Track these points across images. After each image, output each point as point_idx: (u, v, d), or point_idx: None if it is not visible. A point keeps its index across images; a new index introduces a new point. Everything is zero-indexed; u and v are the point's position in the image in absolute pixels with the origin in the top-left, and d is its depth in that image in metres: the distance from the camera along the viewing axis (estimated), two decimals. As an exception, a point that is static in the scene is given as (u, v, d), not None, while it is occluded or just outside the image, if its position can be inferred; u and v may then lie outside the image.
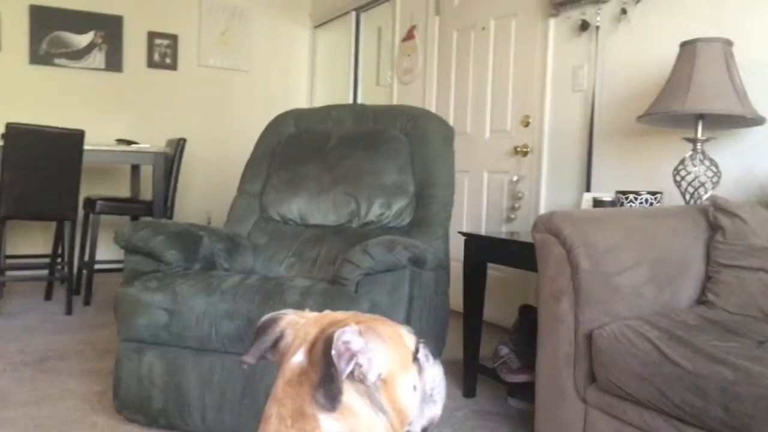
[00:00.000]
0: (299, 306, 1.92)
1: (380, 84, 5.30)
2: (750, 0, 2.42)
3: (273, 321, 0.95)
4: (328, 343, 0.82)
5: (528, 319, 2.38)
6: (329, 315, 0.95)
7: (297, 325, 0.93)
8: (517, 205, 3.50)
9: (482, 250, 2.55)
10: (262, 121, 3.06)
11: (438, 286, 2.40)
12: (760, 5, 2.39)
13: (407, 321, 2.09)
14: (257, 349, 0.94)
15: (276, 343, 0.93)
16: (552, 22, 3.29)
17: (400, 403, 0.89)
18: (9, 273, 4.08)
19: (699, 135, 2.28)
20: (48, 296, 4.05)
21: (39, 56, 5.00)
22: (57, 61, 5.06)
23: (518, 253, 2.40)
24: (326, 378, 0.81)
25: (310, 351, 0.87)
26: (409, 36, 4.54)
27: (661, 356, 1.51)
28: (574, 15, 3.12)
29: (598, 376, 1.69)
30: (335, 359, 0.81)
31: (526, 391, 2.33)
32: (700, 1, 2.58)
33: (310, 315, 0.95)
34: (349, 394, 0.84)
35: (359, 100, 5.38)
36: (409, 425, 0.92)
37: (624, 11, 2.85)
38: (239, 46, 5.76)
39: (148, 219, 4.12)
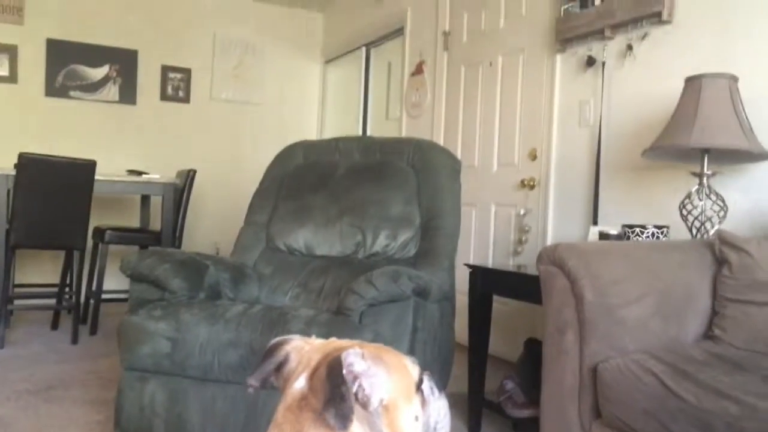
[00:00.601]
0: (303, 335, 1.92)
1: (389, 118, 5.35)
2: (755, 35, 2.44)
3: (279, 345, 0.96)
4: (337, 362, 0.83)
5: (534, 353, 2.35)
6: (334, 342, 0.95)
7: (302, 350, 0.93)
8: (524, 238, 3.50)
9: (488, 283, 2.54)
10: (272, 154, 3.09)
11: (443, 317, 2.39)
12: (764, 40, 2.41)
13: (411, 352, 2.07)
14: (261, 372, 0.94)
15: (280, 367, 0.93)
16: (559, 57, 3.32)
17: (396, 423, 0.88)
18: (17, 302, 4.10)
19: (705, 170, 2.28)
20: (54, 326, 4.05)
21: (55, 89, 5.11)
22: (72, 93, 5.16)
23: (524, 286, 2.38)
24: (336, 397, 0.81)
25: (312, 377, 0.87)
26: (418, 71, 4.60)
27: (667, 391, 1.49)
28: (581, 51, 3.15)
29: (603, 410, 1.67)
30: (346, 378, 0.82)
31: (531, 426, 2.29)
32: (705, 36, 2.61)
33: (315, 342, 0.96)
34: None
35: (368, 134, 5.43)
36: None
37: (630, 47, 2.88)
38: (251, 80, 5.86)
39: (155, 248, 4.15)
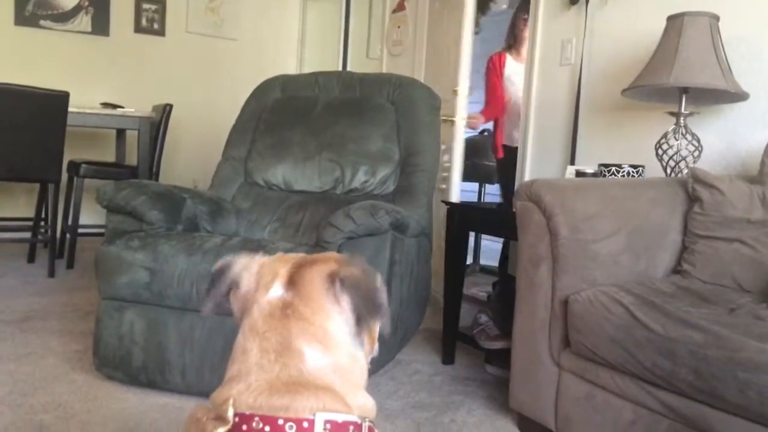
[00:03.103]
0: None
1: (370, 56, 5.26)
2: (738, -24, 2.42)
3: (224, 268, 0.95)
4: (372, 279, 0.87)
5: (507, 288, 2.40)
6: (293, 256, 0.95)
7: (253, 268, 0.93)
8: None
9: (464, 220, 2.57)
10: (249, 90, 3.04)
11: (420, 252, 2.42)
12: (748, -19, 2.39)
13: (388, 285, 2.11)
14: (213, 296, 0.94)
15: (231, 288, 0.94)
16: (542, -5, 3.27)
17: (374, 335, 0.91)
18: (-9, 235, 4.06)
19: (682, 109, 2.30)
20: (31, 259, 4.03)
21: (24, 18, 4.92)
22: (42, 23, 4.98)
23: (500, 222, 2.41)
24: (378, 308, 0.87)
25: (291, 286, 0.87)
26: (399, 7, 4.50)
27: (634, 320, 1.54)
28: (565, -12, 3.11)
29: (573, 340, 1.72)
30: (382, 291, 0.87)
31: (503, 358, 2.36)
32: (689, -24, 2.58)
33: (263, 258, 0.95)
34: (339, 326, 0.86)
35: (348, 72, 5.34)
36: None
37: (614, -15, 2.84)
38: (228, 14, 5.70)
39: (132, 180, 4.11)
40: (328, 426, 0.78)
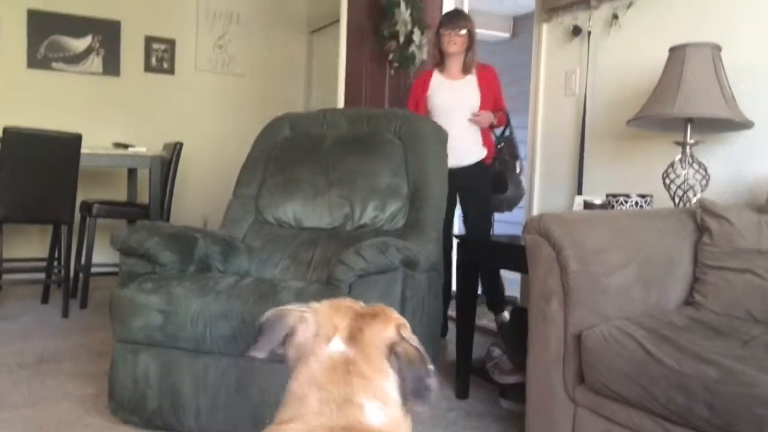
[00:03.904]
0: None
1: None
2: (738, 5, 2.45)
3: (279, 317, 0.99)
4: (426, 363, 0.93)
5: (519, 321, 2.40)
6: (347, 304, 1.02)
7: (310, 318, 0.98)
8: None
9: (475, 253, 2.58)
10: (258, 125, 3.09)
11: (431, 287, 2.42)
12: (747, 11, 2.42)
13: (400, 322, 2.11)
14: (269, 342, 0.98)
15: (287, 337, 0.97)
16: (545, 27, 3.32)
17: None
18: (6, 276, 4.10)
19: (688, 139, 2.31)
20: (45, 299, 4.06)
21: (37, 60, 5.03)
22: (55, 65, 5.09)
23: (510, 256, 2.42)
24: (427, 394, 0.92)
25: (351, 342, 0.93)
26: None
27: (648, 355, 1.53)
28: (567, 20, 3.15)
29: (587, 376, 1.71)
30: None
31: (517, 392, 2.35)
32: (689, 6, 2.61)
33: (317, 305, 1.01)
34: (394, 387, 0.92)
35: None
36: None
37: (615, 16, 2.88)
38: (236, 51, 5.80)
39: (145, 222, 4.14)
40: None
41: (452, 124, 3.10)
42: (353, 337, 0.93)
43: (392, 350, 0.93)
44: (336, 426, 0.84)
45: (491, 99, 3.33)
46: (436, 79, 3.38)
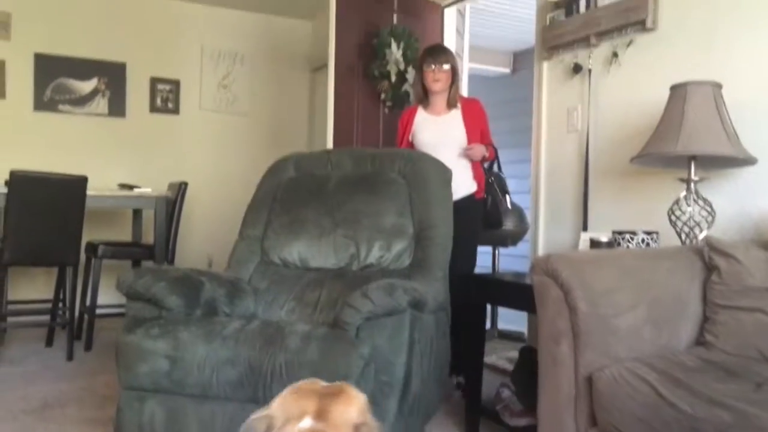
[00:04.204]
0: (300, 351, 1.94)
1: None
2: (736, 43, 2.48)
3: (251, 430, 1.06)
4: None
5: (529, 361, 2.38)
6: (309, 387, 1.10)
7: (276, 415, 1.05)
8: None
9: (482, 292, 2.57)
10: (262, 164, 3.11)
11: (439, 328, 2.41)
12: (746, 48, 2.45)
13: (408, 364, 2.10)
14: None
15: None
16: (545, 64, 3.36)
17: None
18: (11, 319, 4.08)
19: (692, 176, 2.32)
20: (49, 342, 4.04)
21: (43, 103, 5.09)
22: (61, 107, 5.15)
23: (518, 295, 2.41)
24: None
25: (321, 419, 1.02)
26: (406, 79, 4.61)
27: (660, 399, 1.52)
28: (567, 58, 3.19)
29: (599, 419, 1.69)
30: None
31: (528, 434, 2.32)
32: (688, 44, 2.65)
33: (278, 399, 1.08)
34: None
35: (358, 142, 5.44)
36: None
37: (615, 54, 2.92)
38: (240, 90, 5.86)
39: (150, 265, 4.15)
40: None
41: (439, 159, 2.95)
42: (321, 416, 1.01)
43: (356, 430, 1.02)
44: None
45: (477, 132, 3.22)
46: (420, 115, 3.31)
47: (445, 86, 3.19)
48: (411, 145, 3.29)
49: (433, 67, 3.17)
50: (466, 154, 3.15)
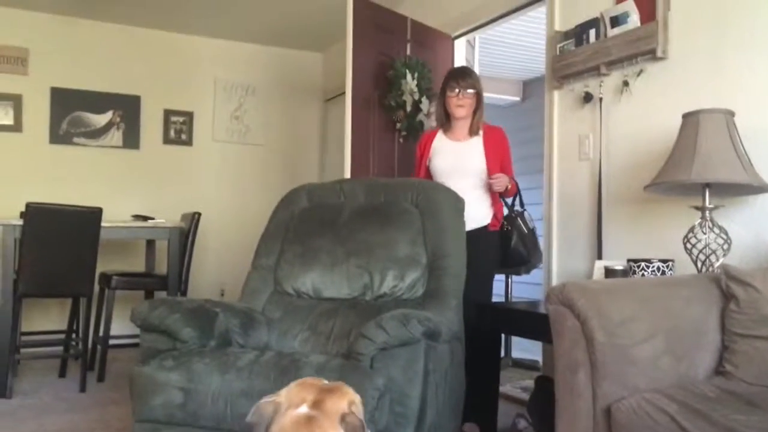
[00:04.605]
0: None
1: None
2: (747, 71, 2.49)
3: (260, 413, 1.29)
4: (362, 428, 1.27)
5: (545, 391, 2.35)
6: (311, 382, 1.35)
7: (282, 401, 1.29)
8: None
9: (497, 321, 2.55)
10: (275, 194, 3.13)
11: (453, 358, 2.39)
12: (757, 75, 2.45)
13: (423, 395, 2.08)
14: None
15: (269, 426, 1.28)
16: (556, 93, 3.38)
17: None
18: (24, 350, 4.09)
19: (707, 203, 2.31)
20: (62, 373, 4.04)
21: (59, 136, 5.17)
22: (76, 140, 5.23)
23: (533, 324, 2.39)
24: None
25: (316, 407, 1.26)
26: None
27: (680, 430, 1.49)
28: (578, 87, 3.21)
29: (619, 451, 1.67)
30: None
31: (546, 466, 2.28)
32: (699, 72, 2.66)
33: (286, 389, 1.32)
34: None
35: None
36: None
37: (626, 83, 2.93)
38: (252, 121, 5.93)
39: (164, 296, 4.15)
40: None
41: (453, 188, 2.88)
42: (316, 405, 1.26)
43: (343, 419, 1.25)
44: None
45: (498, 163, 3.03)
46: (439, 140, 3.15)
47: (469, 112, 3.04)
48: (428, 169, 3.18)
49: (457, 91, 3.01)
50: (490, 182, 2.98)
